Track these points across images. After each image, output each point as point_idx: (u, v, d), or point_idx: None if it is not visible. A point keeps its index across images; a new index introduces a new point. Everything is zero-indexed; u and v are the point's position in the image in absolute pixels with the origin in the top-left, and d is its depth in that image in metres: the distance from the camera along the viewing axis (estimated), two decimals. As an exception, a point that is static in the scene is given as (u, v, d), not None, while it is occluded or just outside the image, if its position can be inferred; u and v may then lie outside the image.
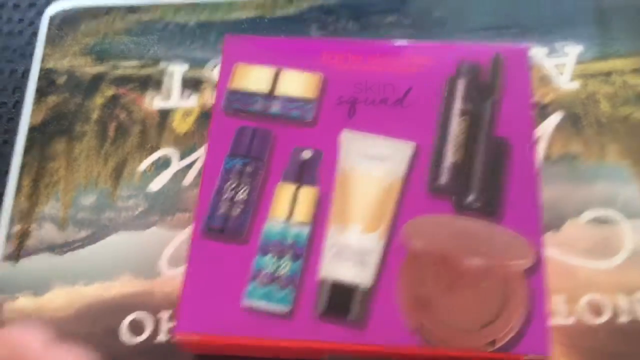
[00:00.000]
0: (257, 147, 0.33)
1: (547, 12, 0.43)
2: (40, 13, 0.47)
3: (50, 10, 0.46)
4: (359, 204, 0.31)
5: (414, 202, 0.31)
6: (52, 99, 0.43)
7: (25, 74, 0.45)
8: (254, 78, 0.34)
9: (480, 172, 0.31)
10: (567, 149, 0.38)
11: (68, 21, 0.46)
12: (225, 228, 0.31)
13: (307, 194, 0.31)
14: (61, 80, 0.43)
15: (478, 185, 0.30)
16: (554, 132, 0.39)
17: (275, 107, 0.33)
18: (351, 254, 0.30)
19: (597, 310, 0.33)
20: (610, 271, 0.34)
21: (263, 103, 0.34)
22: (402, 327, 0.28)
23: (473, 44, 0.34)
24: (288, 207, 0.31)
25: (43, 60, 0.44)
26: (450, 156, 0.31)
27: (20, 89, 0.44)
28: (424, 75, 0.33)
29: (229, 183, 0.32)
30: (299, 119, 0.33)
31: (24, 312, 0.36)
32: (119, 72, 0.43)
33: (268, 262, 0.30)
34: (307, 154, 0.32)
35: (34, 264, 0.37)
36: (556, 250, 0.35)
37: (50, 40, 0.45)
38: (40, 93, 0.43)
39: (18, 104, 0.44)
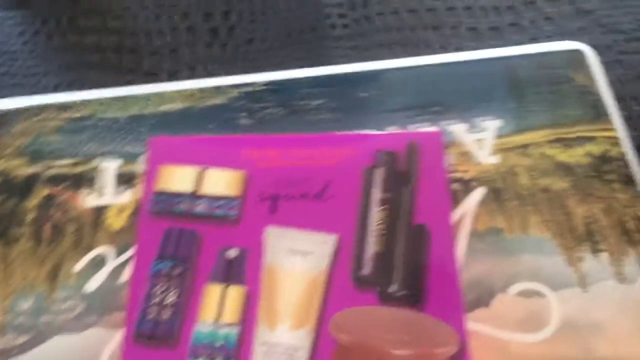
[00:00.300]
0: (184, 249, 0.33)
1: (466, 89, 0.45)
2: (-28, 115, 0.47)
3: (-17, 112, 0.47)
4: (286, 301, 0.31)
5: (340, 294, 0.31)
6: (-15, 203, 0.43)
7: (-42, 178, 0.45)
8: (178, 178, 0.35)
9: (401, 261, 0.32)
10: (491, 224, 0.39)
11: (2, 123, 0.46)
12: (154, 334, 0.32)
13: (235, 294, 0.32)
14: (-5, 183, 0.44)
15: (400, 274, 0.31)
16: (478, 207, 0.40)
17: (200, 207, 0.34)
18: (281, 352, 0.30)
19: (527, 387, 0.34)
20: (540, 344, 0.35)
21: (188, 203, 0.34)
22: None
23: (388, 133, 0.35)
24: (216, 308, 0.32)
25: (-26, 165, 0.44)
26: (371, 246, 0.32)
27: (-46, 193, 0.44)
28: (342, 167, 0.34)
29: (158, 287, 0.33)
30: (224, 218, 0.34)
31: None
32: (53, 171, 0.44)
33: (200, 366, 0.31)
34: (233, 253, 0.33)
35: (-32, 379, 0.37)
36: (487, 326, 0.36)
37: (-18, 143, 0.45)
38: (-26, 198, 0.43)
39: (-49, 210, 0.44)
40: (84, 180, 0.43)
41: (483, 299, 0.37)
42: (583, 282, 0.37)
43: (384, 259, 0.32)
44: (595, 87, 0.44)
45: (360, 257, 0.32)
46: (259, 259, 0.32)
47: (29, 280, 0.40)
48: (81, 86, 0.49)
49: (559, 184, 0.41)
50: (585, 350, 0.35)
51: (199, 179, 0.35)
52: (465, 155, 0.42)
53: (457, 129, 0.43)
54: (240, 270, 0.32)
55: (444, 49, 0.49)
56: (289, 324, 0.31)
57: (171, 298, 0.32)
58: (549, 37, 0.49)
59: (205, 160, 0.35)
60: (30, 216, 0.42)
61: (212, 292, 0.32)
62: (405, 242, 0.32)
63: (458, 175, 0.41)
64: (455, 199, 0.40)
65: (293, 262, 0.32)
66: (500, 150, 0.42)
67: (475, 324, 0.36)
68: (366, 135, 0.35)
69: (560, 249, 0.38)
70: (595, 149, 0.42)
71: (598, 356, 0.35)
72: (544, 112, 0.44)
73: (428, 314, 0.31)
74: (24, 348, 0.38)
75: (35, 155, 0.45)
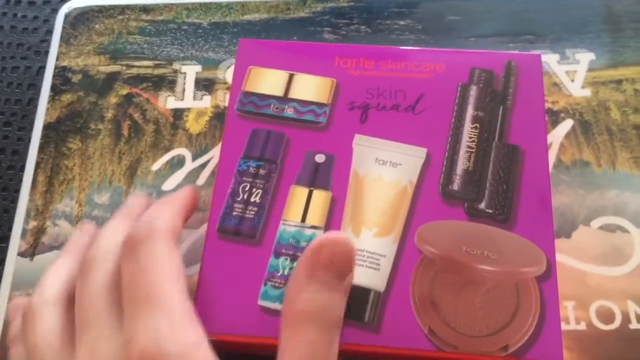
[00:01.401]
0: (271, 150, 0.33)
1: (558, 19, 0.43)
2: (55, 11, 0.47)
3: (65, 9, 0.47)
4: (372, 208, 0.31)
5: (427, 206, 0.31)
6: (66, 97, 0.43)
7: (40, 71, 0.45)
8: (267, 81, 0.34)
9: (492, 179, 0.31)
10: (578, 156, 0.39)
11: (82, 20, 0.46)
12: (239, 230, 0.32)
13: (320, 198, 0.32)
14: (76, 78, 0.44)
15: (490, 192, 0.31)
16: (565, 139, 0.39)
17: (288, 111, 0.34)
18: (364, 257, 0.30)
19: (607, 316, 0.34)
20: (620, 278, 0.35)
21: (277, 106, 0.34)
22: (415, 331, 0.29)
23: (486, 51, 0.34)
24: (301, 210, 0.32)
25: (58, 58, 0.45)
26: (462, 163, 0.32)
27: (35, 86, 0.45)
28: (436, 81, 0.33)
29: (242, 185, 0.32)
30: (312, 123, 0.33)
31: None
32: (133, 71, 0.44)
33: (281, 265, 0.31)
34: (320, 158, 0.32)
35: (50, 261, 0.38)
36: (567, 257, 0.35)
37: (64, 39, 0.45)
38: (55, 91, 0.43)
39: (32, 101, 0.44)
40: (164, 83, 0.43)
41: (565, 230, 0.36)
42: (669, 222, 0.36)
43: (474, 176, 0.31)
44: (696, 27, 0.42)
45: (450, 173, 0.31)
46: (346, 167, 0.32)
47: (106, 175, 0.40)
48: (161, -9, 0.48)
49: (652, 122, 0.39)
50: (665, 289, 0.34)
51: (289, 83, 0.34)
52: (556, 86, 0.41)
53: (549, 59, 0.42)
54: (327, 175, 0.32)
55: (534, -19, 0.47)
56: (374, 231, 0.30)
57: (256, 197, 0.32)
58: (645, -23, 0.47)
59: (296, 65, 0.35)
60: (109, 113, 0.42)
61: (298, 194, 0.32)
62: (498, 161, 0.31)
63: (547, 105, 0.40)
64: (543, 129, 0.39)
65: (381, 172, 0.31)
66: (592, 83, 0.41)
67: (556, 253, 0.36)
68: (464, 52, 0.34)
69: (648, 186, 0.37)
70: (692, 89, 0.40)
71: (679, 295, 0.34)
72: (640, 49, 0.42)
73: (517, 233, 0.30)
74: (98, 240, 0.39)
75: (115, 54, 0.44)
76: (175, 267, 0.26)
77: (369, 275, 0.30)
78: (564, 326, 0.34)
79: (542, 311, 0.29)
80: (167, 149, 0.41)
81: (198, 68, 0.43)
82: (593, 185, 0.38)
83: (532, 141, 0.32)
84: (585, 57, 0.42)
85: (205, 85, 0.43)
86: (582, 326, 0.34)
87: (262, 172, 0.32)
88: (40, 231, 0.39)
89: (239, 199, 0.32)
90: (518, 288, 0.29)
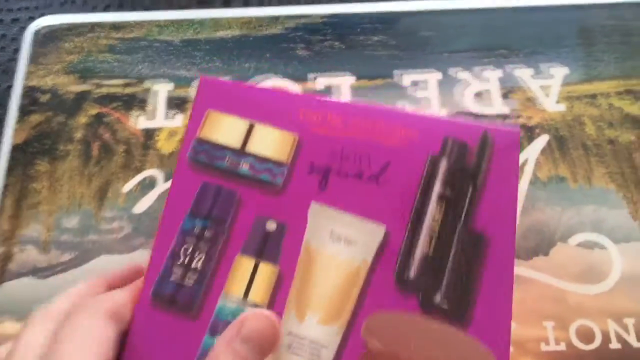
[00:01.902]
0: (220, 210, 0.30)
1: (532, 34, 0.43)
2: (23, 29, 0.46)
3: (34, 27, 0.46)
4: (320, 290, 0.29)
5: (379, 293, 0.28)
6: (35, 118, 0.42)
7: (8, 90, 0.44)
8: (225, 129, 0.32)
9: (452, 269, 0.29)
10: (554, 172, 0.38)
11: (51, 38, 0.45)
12: (175, 299, 0.29)
13: (266, 272, 0.29)
14: (44, 98, 0.43)
15: (448, 283, 0.28)
16: (541, 154, 0.39)
17: (244, 166, 0.31)
18: (304, 347, 0.28)
19: (587, 336, 0.33)
20: (599, 296, 0.35)
21: (232, 159, 0.31)
22: None
23: (462, 122, 0.32)
24: (244, 284, 0.29)
25: (26, 77, 0.43)
26: (422, 247, 0.30)
27: (2, 106, 0.43)
28: (406, 150, 0.30)
29: (185, 247, 0.30)
30: (268, 184, 0.31)
31: (7, 338, 0.35)
32: (103, 90, 0.43)
33: (217, 345, 0.29)
34: (271, 226, 0.30)
35: (17, 289, 0.36)
36: (545, 275, 0.35)
37: (33, 58, 0.44)
38: (23, 112, 0.42)
39: (0, 122, 0.43)
40: (135, 102, 0.42)
41: (542, 248, 0.36)
42: (646, 237, 0.36)
43: (433, 263, 0.29)
44: (669, 40, 0.43)
45: (408, 257, 0.29)
46: (298, 238, 0.29)
47: (75, 198, 0.39)
48: (132, 8, 0.47)
49: (627, 136, 0.39)
50: (644, 305, 0.34)
51: (248, 134, 0.32)
52: (530, 101, 0.41)
53: (523, 73, 0.41)
54: (276, 247, 0.30)
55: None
56: (319, 317, 0.28)
57: (198, 262, 0.29)
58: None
59: (258, 113, 0.32)
60: (79, 134, 0.41)
61: (243, 266, 0.30)
62: (460, 250, 0.29)
63: (522, 120, 0.40)
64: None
65: (335, 248, 0.29)
66: (567, 98, 0.41)
67: (534, 272, 0.35)
68: (438, 119, 0.32)
69: (625, 202, 0.37)
70: (666, 103, 0.40)
71: (658, 312, 0.34)
72: (614, 63, 0.42)
73: (471, 334, 0.28)
74: (68, 265, 0.38)
75: (85, 73, 0.44)
76: None
77: None
78: (543, 347, 0.33)
79: None
80: (139, 170, 0.40)
81: (170, 86, 0.43)
82: (570, 201, 0.37)
83: (499, 228, 0.29)
84: (559, 72, 0.42)
85: (177, 103, 0.42)
86: (562, 347, 0.33)
87: (207, 234, 0.30)
88: (7, 257, 0.37)
89: (179, 262, 0.29)
90: None
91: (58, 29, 0.45)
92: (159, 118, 0.41)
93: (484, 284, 0.28)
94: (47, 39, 0.45)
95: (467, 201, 0.29)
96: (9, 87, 0.44)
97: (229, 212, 0.30)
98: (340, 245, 0.29)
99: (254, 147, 0.31)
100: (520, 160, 0.39)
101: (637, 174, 0.38)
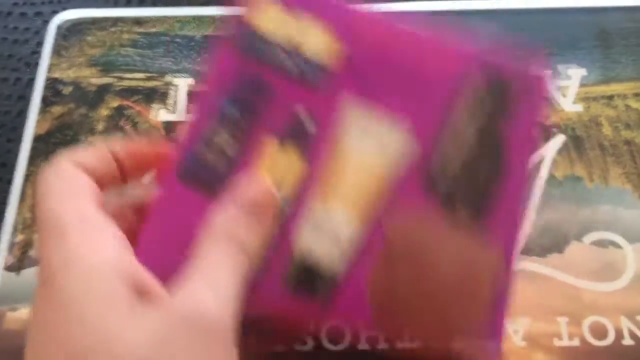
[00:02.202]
0: (258, 99, 0.30)
1: (550, 36, 0.44)
2: (46, 22, 0.47)
3: (57, 20, 0.46)
4: (348, 184, 0.29)
5: (404, 195, 0.29)
6: (57, 109, 0.43)
7: (30, 82, 0.45)
8: (277, 23, 0.30)
9: (476, 182, 0.30)
10: (570, 171, 0.39)
11: (74, 32, 0.46)
12: (202, 178, 0.29)
13: (295, 160, 0.29)
14: (67, 90, 0.43)
15: (469, 194, 0.30)
16: (558, 154, 0.39)
17: (289, 63, 0.30)
18: (328, 233, 0.29)
19: (600, 332, 0.34)
20: (613, 294, 0.35)
21: (278, 55, 0.30)
22: (366, 315, 0.28)
23: (506, 52, 0.32)
24: (273, 170, 0.29)
25: (49, 70, 0.44)
26: (449, 151, 0.30)
27: (25, 97, 0.44)
28: (445, 69, 0.31)
29: (219, 130, 0.29)
30: (308, 81, 0.30)
31: (25, 324, 0.35)
32: (125, 84, 0.43)
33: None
34: (305, 119, 0.30)
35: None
36: (560, 272, 0.35)
37: (56, 50, 0.45)
38: (46, 103, 0.43)
39: (22, 113, 0.44)
40: (156, 95, 0.43)
41: (557, 245, 0.36)
42: (661, 237, 0.36)
43: (459, 173, 0.30)
44: (686, 44, 0.43)
45: (436, 165, 0.30)
46: (330, 133, 0.30)
47: (96, 188, 0.40)
48: (153, 3, 0.48)
49: (643, 137, 0.40)
50: (658, 305, 0.34)
51: (297, 32, 0.31)
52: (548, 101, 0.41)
53: (541, 74, 0.42)
54: (307, 138, 0.30)
55: (525, -2, 0.48)
56: (345, 209, 0.29)
57: (230, 147, 0.29)
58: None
59: (310, 11, 0.31)
60: (100, 126, 0.42)
61: (272, 152, 0.30)
62: (485, 165, 0.30)
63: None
64: (535, 144, 0.40)
65: (367, 148, 0.30)
66: (584, 99, 0.41)
67: (548, 269, 0.36)
68: (480, 48, 0.31)
69: (640, 202, 0.37)
70: (682, 105, 0.41)
71: (672, 311, 0.34)
72: (631, 65, 0.42)
73: (487, 238, 0.29)
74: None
75: (107, 66, 0.44)
76: None
77: (330, 252, 0.29)
78: (556, 342, 0.33)
79: (494, 301, 0.28)
80: (158, 162, 0.40)
81: (190, 81, 0.43)
82: (585, 200, 0.38)
83: (523, 147, 0.30)
84: (576, 73, 0.42)
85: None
86: (576, 342, 0.33)
87: (242, 121, 0.30)
88: (27, 244, 0.38)
89: (211, 145, 0.29)
90: (473, 287, 0.29)
91: (81, 22, 0.46)
92: (179, 111, 0.42)
93: (504, 191, 0.29)
94: (70, 32, 0.46)
95: (497, 125, 0.30)
96: (31, 79, 0.45)
97: (265, 102, 0.30)
98: (370, 143, 0.30)
99: (300, 44, 0.31)
100: (537, 159, 0.39)
101: (653, 175, 0.38)
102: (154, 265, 0.24)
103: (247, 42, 0.30)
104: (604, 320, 0.34)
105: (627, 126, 0.40)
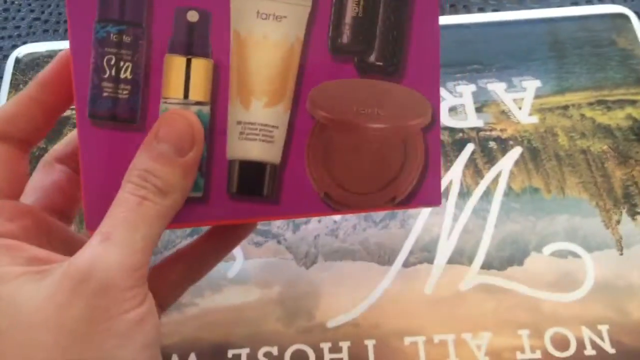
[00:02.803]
0: (133, 9, 0.27)
1: (504, 49, 0.44)
2: (5, 57, 0.47)
3: (15, 54, 0.46)
4: (259, 75, 0.28)
5: (316, 66, 0.28)
6: (16, 144, 0.43)
7: (-10, 118, 0.44)
8: None
9: (382, 26, 0.29)
10: (528, 183, 0.39)
11: (33, 66, 0.46)
12: (115, 114, 0.27)
13: (201, 67, 0.28)
14: (26, 124, 0.43)
15: (380, 41, 0.29)
16: (515, 166, 0.39)
17: None
18: (257, 131, 0.28)
19: (562, 344, 0.34)
20: (573, 304, 0.35)
21: None
22: (312, 197, 0.28)
23: None
24: (182, 84, 0.27)
25: (7, 105, 0.44)
26: (350, 10, 0.30)
27: (-15, 133, 0.44)
28: None
29: (107, 58, 0.27)
30: None
31: None
32: (84, 115, 0.43)
33: (170, 149, 0.28)
34: (193, 16, 0.27)
35: None
36: (520, 284, 0.35)
37: (14, 85, 0.45)
38: (5, 138, 0.43)
39: (-18, 149, 0.43)
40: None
41: (517, 258, 0.36)
42: (619, 245, 0.37)
43: (363, 25, 0.29)
44: (638, 51, 0.43)
45: (339, 23, 0.29)
46: (225, 25, 0.28)
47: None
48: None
49: (598, 145, 0.40)
50: (618, 312, 0.35)
51: None
52: (504, 114, 0.41)
53: (496, 87, 0.42)
54: (205, 38, 0.27)
55: (482, 10, 0.48)
56: (264, 101, 0.28)
57: (126, 72, 0.27)
58: (589, 2, 0.48)
59: None
60: (60, 158, 0.42)
61: (175, 65, 0.27)
62: (387, 6, 0.29)
63: (495, 133, 0.41)
64: (493, 157, 0.40)
65: (265, 30, 0.28)
66: (539, 110, 0.41)
67: (508, 282, 0.36)
68: None
69: (598, 210, 0.38)
70: (636, 112, 0.41)
71: (632, 319, 0.34)
72: (585, 74, 0.43)
73: (405, 85, 0.29)
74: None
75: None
76: None
77: (264, 149, 0.28)
78: (519, 356, 0.33)
79: (425, 160, 0.29)
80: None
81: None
82: (543, 211, 0.38)
83: None
84: (531, 85, 0.42)
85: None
86: (537, 355, 0.33)
87: (126, 39, 0.27)
88: None
89: (106, 76, 0.27)
90: (405, 140, 0.29)
91: (39, 56, 0.46)
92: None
93: (412, 37, 0.29)
94: (29, 66, 0.46)
95: None
96: (-8, 114, 0.45)
97: (142, 9, 0.27)
98: (269, 24, 0.28)
99: None
100: (494, 173, 0.39)
101: (610, 183, 0.39)
102: (104, 210, 0.25)
103: None
104: (565, 331, 0.34)
105: (583, 135, 0.40)
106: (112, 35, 0.27)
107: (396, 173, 0.29)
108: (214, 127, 0.28)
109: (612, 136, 0.40)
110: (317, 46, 0.28)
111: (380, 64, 0.29)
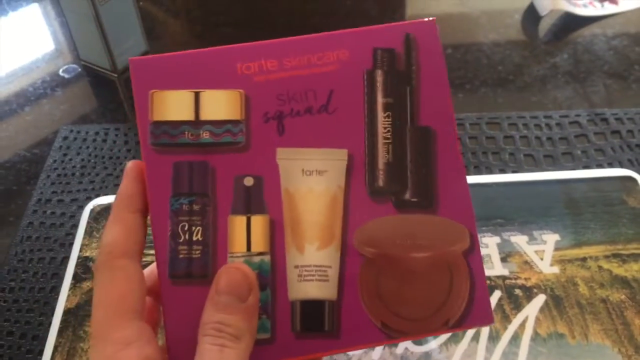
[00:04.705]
0: (199, 182, 0.32)
1: (524, 205, 0.49)
2: (81, 207, 0.53)
3: (90, 205, 0.53)
4: (309, 223, 0.32)
5: (358, 209, 0.32)
6: (86, 284, 0.47)
7: (64, 261, 0.50)
8: (174, 105, 0.32)
9: (412, 167, 0.33)
10: (553, 329, 0.42)
11: (105, 215, 0.52)
12: (190, 272, 0.32)
13: (260, 223, 0.32)
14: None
15: (413, 180, 0.32)
16: (540, 312, 0.43)
17: (204, 135, 0.32)
18: (313, 272, 0.32)
19: None
20: None
21: (191, 132, 0.32)
22: (370, 328, 0.31)
23: (383, 26, 0.34)
24: (244, 239, 0.32)
25: (81, 249, 0.50)
26: (382, 157, 0.33)
27: (58, 275, 0.49)
28: (343, 72, 0.33)
29: (181, 225, 0.32)
30: (231, 144, 0.32)
31: None
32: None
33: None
34: (248, 182, 0.32)
35: None
36: None
37: (88, 232, 0.51)
38: (76, 279, 0.48)
39: (54, 289, 0.48)
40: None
41: (546, 400, 0.39)
42: (644, 390, 0.39)
43: (395, 167, 0.33)
44: (647, 210, 0.48)
45: (373, 169, 0.33)
46: (276, 184, 0.32)
47: (118, 357, 0.43)
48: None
49: (617, 295, 0.43)
50: None
51: (197, 103, 0.33)
52: (527, 264, 0.45)
53: (519, 240, 0.47)
54: (259, 198, 0.33)
55: (503, 172, 0.54)
56: (316, 245, 0.32)
57: (198, 234, 0.32)
58: (599, 166, 0.54)
59: (198, 79, 0.33)
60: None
61: (237, 224, 0.32)
62: (414, 148, 0.33)
63: (520, 282, 0.44)
64: (519, 304, 0.43)
65: (310, 184, 0.33)
66: (560, 261, 0.46)
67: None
68: (360, 32, 0.34)
69: (621, 356, 0.40)
70: (650, 265, 0.45)
71: None
72: (600, 230, 0.47)
73: (441, 215, 0.32)
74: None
75: (133, 244, 0.50)
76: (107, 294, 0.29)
77: (321, 288, 0.32)
78: None
79: (471, 282, 0.31)
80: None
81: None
82: (569, 356, 0.41)
83: (439, 118, 0.33)
84: (551, 238, 0.47)
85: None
86: None
87: (195, 207, 0.32)
88: (54, 412, 0.41)
89: (181, 241, 0.32)
90: (450, 266, 0.32)
91: (110, 206, 0.52)
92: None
93: (440, 171, 0.32)
94: (101, 215, 0.52)
95: (409, 102, 0.34)
96: (65, 257, 0.50)
97: (207, 181, 0.32)
98: (313, 179, 0.33)
99: (206, 114, 0.32)
100: (521, 318, 0.43)
101: (630, 330, 0.41)
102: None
103: (158, 136, 0.32)
104: None
105: (602, 285, 0.44)
106: (184, 205, 0.32)
107: (446, 297, 0.32)
108: (275, 272, 0.32)
109: (629, 287, 0.44)
110: (357, 191, 0.33)
111: (416, 199, 0.33)
